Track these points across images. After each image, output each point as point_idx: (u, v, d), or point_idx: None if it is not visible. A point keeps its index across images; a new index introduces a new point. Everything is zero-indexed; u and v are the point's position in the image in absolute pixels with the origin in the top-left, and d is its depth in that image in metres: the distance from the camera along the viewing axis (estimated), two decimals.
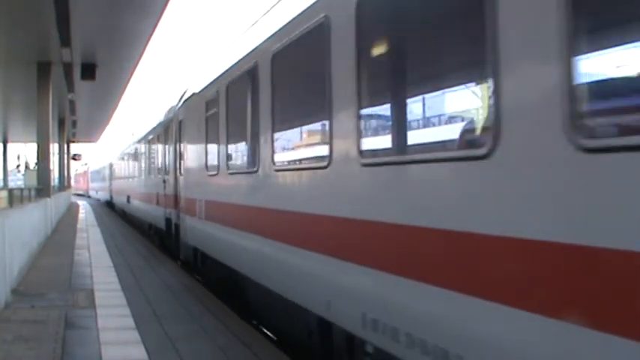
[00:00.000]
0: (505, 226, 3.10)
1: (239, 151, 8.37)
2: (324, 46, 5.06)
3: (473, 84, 3.90)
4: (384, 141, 4.63)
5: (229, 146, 8.48)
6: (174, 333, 6.86)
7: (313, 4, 5.43)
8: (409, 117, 4.47)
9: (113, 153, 36.23)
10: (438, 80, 4.33)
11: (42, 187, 18.72)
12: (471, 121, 3.99)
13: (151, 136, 18.13)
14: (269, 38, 6.67)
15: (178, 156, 13.11)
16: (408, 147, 4.38)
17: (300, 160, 6.30)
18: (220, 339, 6.65)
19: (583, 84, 2.74)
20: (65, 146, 37.89)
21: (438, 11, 4.02)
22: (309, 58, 5.87)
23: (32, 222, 13.50)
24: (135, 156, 22.54)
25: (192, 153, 11.05)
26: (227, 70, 8.47)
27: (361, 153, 4.48)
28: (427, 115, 4.46)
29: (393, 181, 4.20)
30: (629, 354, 2.43)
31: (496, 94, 3.17)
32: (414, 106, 4.50)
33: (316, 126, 5.82)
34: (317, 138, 5.71)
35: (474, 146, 3.58)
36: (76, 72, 18.41)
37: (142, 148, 19.96)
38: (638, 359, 2.40)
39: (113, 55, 17.57)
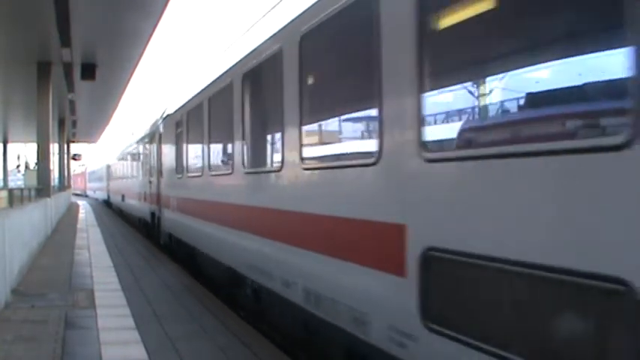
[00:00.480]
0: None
1: (194, 161, 11.11)
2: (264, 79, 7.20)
3: (365, 111, 5.08)
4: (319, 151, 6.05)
5: (189, 157, 11.64)
6: (174, 333, 6.86)
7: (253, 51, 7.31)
8: (323, 134, 6.00)
9: (110, 156, 39.72)
10: (346, 105, 5.66)
11: (42, 187, 18.72)
12: (365, 139, 5.08)
13: (140, 144, 20.44)
14: (208, 86, 9.83)
15: (159, 162, 15.58)
16: (326, 157, 5.90)
17: (227, 166, 8.78)
18: (220, 339, 6.65)
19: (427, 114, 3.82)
20: (65, 146, 37.90)
21: (349, 54, 5.27)
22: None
23: (32, 222, 13.50)
24: (128, 160, 25.30)
25: (168, 160, 14.24)
26: (187, 102, 11.78)
27: (302, 160, 5.68)
28: (339, 133, 5.79)
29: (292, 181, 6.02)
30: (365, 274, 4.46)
31: (379, 120, 4.29)
32: (331, 125, 5.96)
33: (262, 140, 7.74)
34: (259, 149, 7.78)
35: (369, 158, 4.47)
36: (76, 72, 18.41)
37: (134, 153, 22.51)
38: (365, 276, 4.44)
39: (113, 55, 17.57)
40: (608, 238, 2.59)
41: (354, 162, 4.98)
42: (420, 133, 3.79)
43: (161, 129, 15.21)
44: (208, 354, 6.11)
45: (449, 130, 4.00)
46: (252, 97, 7.68)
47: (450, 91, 4.23)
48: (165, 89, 20.34)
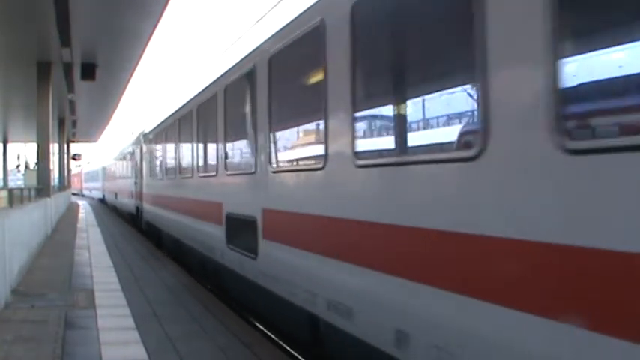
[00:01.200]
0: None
1: (159, 168, 16.44)
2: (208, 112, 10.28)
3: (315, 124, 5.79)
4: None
5: (156, 165, 17.15)
6: (174, 333, 6.86)
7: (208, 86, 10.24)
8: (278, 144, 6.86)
9: (105, 161, 46.08)
10: (302, 117, 6.24)
11: (42, 187, 18.73)
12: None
13: (129, 152, 25.33)
14: (163, 122, 14.91)
15: (141, 169, 20.63)
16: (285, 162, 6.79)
17: (182, 172, 12.71)
18: (220, 339, 6.65)
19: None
20: (65, 146, 37.90)
21: (304, 74, 5.98)
22: (171, 134, 13.32)
23: (32, 222, 13.50)
24: (120, 164, 30.41)
25: (146, 166, 19.45)
26: (154, 128, 17.09)
27: (272, 164, 6.81)
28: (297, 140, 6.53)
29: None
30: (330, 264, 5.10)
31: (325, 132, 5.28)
32: (292, 133, 6.60)
33: (200, 154, 11.14)
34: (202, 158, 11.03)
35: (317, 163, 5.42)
36: (76, 72, 18.42)
37: (125, 159, 27.55)
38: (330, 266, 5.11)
39: (113, 55, 17.57)
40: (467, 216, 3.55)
41: (306, 166, 5.87)
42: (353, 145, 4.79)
43: (142, 143, 20.50)
44: (208, 354, 6.11)
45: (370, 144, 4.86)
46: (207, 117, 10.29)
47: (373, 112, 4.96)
48: (147, 108, 24.94)
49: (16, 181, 47.26)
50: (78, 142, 46.60)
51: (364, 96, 4.86)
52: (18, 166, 61.14)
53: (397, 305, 4.19)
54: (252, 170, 7.33)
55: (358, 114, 4.77)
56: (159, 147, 16.34)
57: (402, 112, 4.42)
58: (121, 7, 13.37)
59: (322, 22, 5.30)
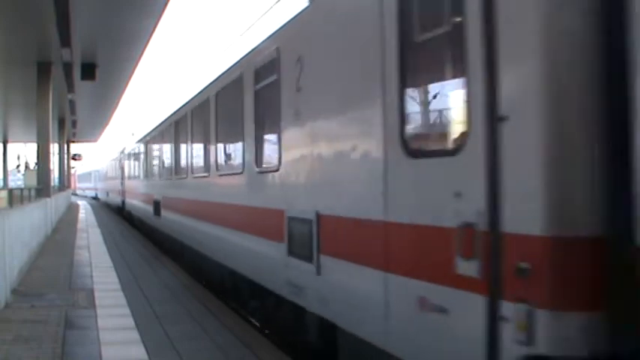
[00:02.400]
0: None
1: (134, 171, 22.69)
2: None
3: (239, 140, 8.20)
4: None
5: (130, 170, 24.38)
6: (174, 333, 6.86)
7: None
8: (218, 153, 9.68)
9: (98, 164, 53.13)
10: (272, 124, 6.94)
11: (42, 187, 18.72)
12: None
13: (117, 159, 31.95)
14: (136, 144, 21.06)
15: (124, 172, 27.13)
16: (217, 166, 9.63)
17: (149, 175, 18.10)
18: (220, 339, 6.64)
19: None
20: (65, 146, 37.91)
21: (271, 87, 6.77)
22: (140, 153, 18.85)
23: (32, 222, 13.50)
24: (111, 168, 36.85)
25: (127, 170, 25.88)
26: (137, 141, 22.15)
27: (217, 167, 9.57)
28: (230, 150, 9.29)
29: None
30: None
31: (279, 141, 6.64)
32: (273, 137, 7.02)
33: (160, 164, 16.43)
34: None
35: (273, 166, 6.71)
36: (76, 72, 18.41)
37: (113, 164, 34.26)
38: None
39: (113, 55, 17.58)
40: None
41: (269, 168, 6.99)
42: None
43: (126, 151, 26.33)
44: (208, 354, 6.11)
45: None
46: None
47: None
48: (131, 124, 28.94)
49: (16, 181, 47.25)
50: (78, 142, 46.61)
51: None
52: (18, 166, 61.12)
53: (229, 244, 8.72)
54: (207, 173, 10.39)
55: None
56: (137, 158, 22.35)
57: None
58: (121, 7, 13.37)
59: (278, 51, 6.50)
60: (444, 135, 4.08)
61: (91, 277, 10.89)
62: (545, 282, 2.90)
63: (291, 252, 6.07)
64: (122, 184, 27.37)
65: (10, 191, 17.25)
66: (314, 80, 5.58)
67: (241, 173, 8.02)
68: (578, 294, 2.90)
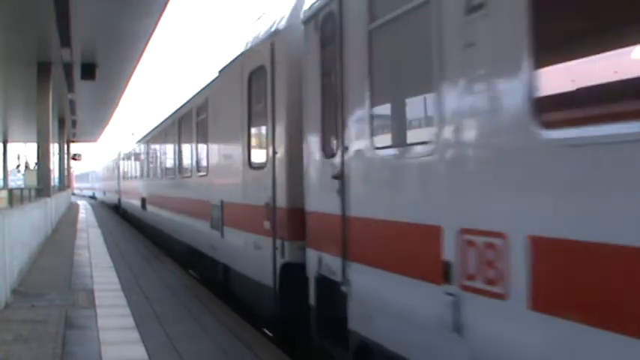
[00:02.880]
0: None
1: (128, 174, 26.37)
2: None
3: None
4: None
5: (125, 172, 27.91)
6: (174, 333, 6.86)
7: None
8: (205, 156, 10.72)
9: (95, 166, 57.64)
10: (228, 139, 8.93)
11: (42, 187, 18.72)
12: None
13: (113, 162, 35.57)
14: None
15: (119, 174, 30.58)
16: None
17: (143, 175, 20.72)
18: (220, 339, 6.65)
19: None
20: (65, 146, 37.91)
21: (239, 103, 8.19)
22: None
23: (32, 222, 13.50)
24: (106, 170, 41.60)
25: (122, 172, 28.88)
26: (129, 148, 26.27)
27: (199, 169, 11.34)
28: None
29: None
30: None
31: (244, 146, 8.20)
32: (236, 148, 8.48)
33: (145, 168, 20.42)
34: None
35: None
36: (76, 72, 18.42)
37: (109, 166, 38.22)
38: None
39: (113, 55, 17.57)
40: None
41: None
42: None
43: (121, 157, 30.09)
44: (208, 354, 6.11)
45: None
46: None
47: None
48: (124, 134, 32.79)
49: (16, 181, 47.25)
50: (78, 142, 46.61)
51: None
52: (18, 166, 61.12)
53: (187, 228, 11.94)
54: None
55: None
56: (131, 160, 25.17)
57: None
58: (121, 7, 13.37)
59: (207, 99, 10.23)
60: (261, 159, 7.40)
61: (91, 277, 10.89)
62: (287, 228, 6.44)
63: (211, 226, 9.76)
64: (118, 184, 31.83)
65: (10, 191, 17.26)
66: (221, 118, 9.40)
67: (190, 177, 12.25)
68: (298, 233, 6.17)
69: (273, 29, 6.92)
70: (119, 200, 30.92)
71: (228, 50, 9.08)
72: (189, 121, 12.07)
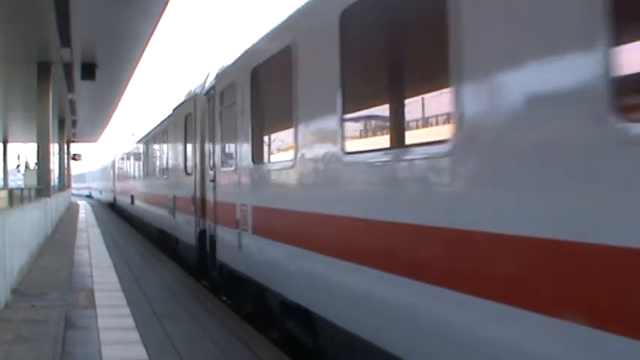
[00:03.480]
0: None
1: (122, 175, 30.42)
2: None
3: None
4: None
5: (119, 174, 31.99)
6: (174, 333, 6.86)
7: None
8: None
9: (91, 167, 63.28)
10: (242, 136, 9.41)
11: (42, 187, 18.73)
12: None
13: (107, 164, 40.74)
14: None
15: (115, 175, 34.26)
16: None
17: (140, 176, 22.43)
18: (220, 339, 6.65)
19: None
20: (65, 146, 37.92)
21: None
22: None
23: (32, 222, 13.50)
24: (101, 172, 47.79)
25: (118, 175, 32.23)
26: (121, 154, 30.60)
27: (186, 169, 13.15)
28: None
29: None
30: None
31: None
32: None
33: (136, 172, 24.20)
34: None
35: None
36: (76, 72, 18.44)
37: (106, 169, 42.09)
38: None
39: (113, 55, 17.58)
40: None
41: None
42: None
43: (116, 160, 33.79)
44: (208, 354, 6.11)
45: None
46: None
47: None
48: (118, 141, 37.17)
49: (16, 181, 47.27)
50: (78, 142, 46.62)
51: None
52: (18, 166, 61.14)
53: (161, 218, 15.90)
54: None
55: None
56: (126, 164, 28.39)
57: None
58: (121, 7, 13.38)
59: (166, 127, 14.95)
60: (190, 169, 11.90)
61: (91, 276, 10.90)
62: (200, 210, 10.92)
63: (169, 212, 14.29)
64: (114, 184, 36.33)
65: (10, 191, 17.25)
66: (173, 140, 14.33)
67: (159, 179, 16.76)
68: (204, 212, 10.56)
69: (194, 93, 11.91)
70: (114, 199, 36.08)
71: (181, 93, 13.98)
72: (158, 141, 17.25)
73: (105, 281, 10.40)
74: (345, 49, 4.79)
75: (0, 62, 18.27)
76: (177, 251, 13.51)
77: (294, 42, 5.77)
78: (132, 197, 24.51)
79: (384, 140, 4.90)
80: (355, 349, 4.68)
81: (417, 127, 4.50)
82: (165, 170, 15.75)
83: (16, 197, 16.33)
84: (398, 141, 4.52)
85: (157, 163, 17.77)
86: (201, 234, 10.78)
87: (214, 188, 9.46)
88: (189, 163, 12.16)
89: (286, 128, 6.22)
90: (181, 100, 13.26)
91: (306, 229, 5.64)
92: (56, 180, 33.54)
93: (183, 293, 9.47)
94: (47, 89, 18.41)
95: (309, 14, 5.54)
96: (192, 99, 12.00)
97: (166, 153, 15.52)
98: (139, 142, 22.62)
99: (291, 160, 5.90)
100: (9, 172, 47.33)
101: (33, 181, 21.42)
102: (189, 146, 12.20)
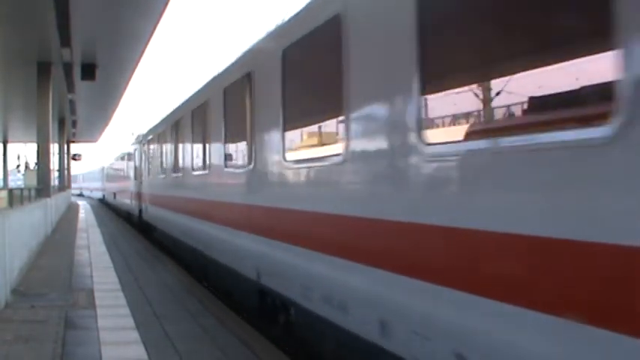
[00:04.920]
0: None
1: (114, 177, 36.05)
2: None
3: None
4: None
5: (111, 176, 38.80)
6: (174, 333, 6.86)
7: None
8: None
9: (83, 170, 74.30)
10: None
11: (42, 187, 18.72)
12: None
13: (101, 168, 49.43)
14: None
15: (105, 177, 44.45)
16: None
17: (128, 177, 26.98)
18: (220, 339, 6.65)
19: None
20: (65, 146, 37.91)
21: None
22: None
23: (32, 222, 13.50)
24: (98, 173, 54.78)
25: (109, 176, 40.86)
26: (114, 159, 36.84)
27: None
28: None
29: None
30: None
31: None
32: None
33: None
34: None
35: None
36: (76, 72, 18.43)
37: (98, 171, 52.27)
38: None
39: (113, 55, 17.58)
40: None
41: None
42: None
43: (108, 165, 40.61)
44: (208, 354, 6.11)
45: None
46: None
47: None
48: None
49: (16, 181, 47.28)
50: (78, 142, 46.62)
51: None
52: (18, 166, 61.13)
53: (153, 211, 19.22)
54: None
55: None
56: (118, 169, 33.44)
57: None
58: (121, 7, 13.37)
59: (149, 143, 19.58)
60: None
61: (91, 277, 10.89)
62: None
63: (137, 202, 20.98)
64: (105, 185, 45.39)
65: (10, 191, 17.24)
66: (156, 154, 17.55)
67: (140, 181, 21.63)
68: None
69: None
70: (103, 196, 47.02)
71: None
72: (142, 151, 21.18)
73: (105, 281, 10.40)
74: (284, 78, 6.23)
75: (0, 62, 18.27)
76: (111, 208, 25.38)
77: (252, 70, 7.30)
78: (114, 194, 34.88)
79: (308, 152, 6.15)
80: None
81: (322, 144, 5.89)
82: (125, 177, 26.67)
83: (16, 197, 16.32)
84: (313, 152, 5.92)
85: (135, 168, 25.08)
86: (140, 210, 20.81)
87: (140, 186, 17.36)
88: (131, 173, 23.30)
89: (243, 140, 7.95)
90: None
91: None
92: (56, 180, 33.54)
93: (183, 293, 9.47)
94: (47, 89, 18.41)
95: (263, 49, 7.02)
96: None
97: (125, 169, 27.15)
98: (119, 155, 32.33)
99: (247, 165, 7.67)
100: (9, 172, 47.33)
101: (33, 181, 21.41)
102: (131, 167, 23.25)
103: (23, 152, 59.95)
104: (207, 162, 10.13)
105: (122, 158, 29.61)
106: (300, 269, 5.80)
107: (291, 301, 6.13)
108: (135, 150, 22.71)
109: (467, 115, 3.95)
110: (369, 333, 4.38)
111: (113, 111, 31.58)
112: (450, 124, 4.04)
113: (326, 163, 5.33)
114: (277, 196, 6.53)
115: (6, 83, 21.84)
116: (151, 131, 18.19)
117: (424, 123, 3.87)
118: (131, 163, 23.79)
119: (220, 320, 7.58)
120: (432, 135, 3.83)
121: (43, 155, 18.97)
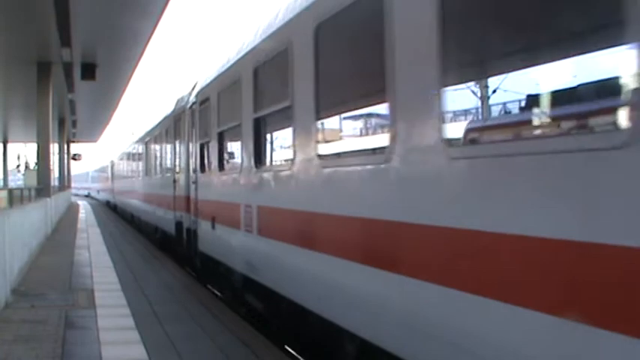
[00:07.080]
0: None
1: (110, 177, 39.61)
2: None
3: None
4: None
5: (108, 177, 41.88)
6: (174, 333, 6.86)
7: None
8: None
9: (79, 170, 73.02)
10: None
11: (42, 187, 18.72)
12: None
13: (104, 169, 46.79)
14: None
15: (113, 176, 36.36)
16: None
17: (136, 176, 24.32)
18: (220, 339, 6.65)
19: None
20: (65, 146, 37.91)
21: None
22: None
23: (32, 222, 13.50)
24: (84, 177, 67.97)
25: (115, 175, 35.42)
26: (118, 156, 33.86)
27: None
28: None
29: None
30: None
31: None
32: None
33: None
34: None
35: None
36: (76, 72, 18.41)
37: (104, 171, 47.85)
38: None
39: (113, 55, 17.57)
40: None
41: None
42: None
43: (113, 164, 36.94)
44: (208, 354, 6.11)
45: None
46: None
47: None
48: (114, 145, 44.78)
49: (16, 181, 47.28)
50: (78, 142, 46.60)
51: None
52: (18, 166, 61.15)
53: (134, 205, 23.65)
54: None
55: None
56: (123, 169, 31.63)
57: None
58: (121, 7, 13.37)
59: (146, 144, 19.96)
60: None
61: (91, 276, 10.90)
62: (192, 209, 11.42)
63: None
64: (110, 185, 42.93)
65: (10, 191, 17.24)
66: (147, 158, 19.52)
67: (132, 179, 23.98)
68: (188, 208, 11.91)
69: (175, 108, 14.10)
70: (89, 193, 57.67)
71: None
72: (135, 156, 23.08)
73: (105, 281, 10.40)
74: (255, 88, 7.11)
75: (0, 62, 18.26)
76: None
77: (240, 77, 7.73)
78: (98, 191, 38.90)
79: (286, 154, 6.54)
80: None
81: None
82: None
83: (16, 197, 16.32)
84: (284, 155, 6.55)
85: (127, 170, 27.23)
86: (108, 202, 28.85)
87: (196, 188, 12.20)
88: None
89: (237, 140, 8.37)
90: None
91: None
92: (56, 180, 33.54)
93: (183, 293, 9.47)
94: (47, 89, 18.40)
95: (249, 61, 7.44)
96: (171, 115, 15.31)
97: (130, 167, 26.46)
98: (107, 165, 36.81)
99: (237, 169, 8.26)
100: (9, 172, 47.33)
101: (33, 181, 21.39)
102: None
103: (23, 152, 59.95)
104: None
105: (145, 142, 19.94)
106: None
107: None
108: (178, 120, 13.12)
109: (277, 148, 7.39)
110: None
111: (113, 111, 31.58)
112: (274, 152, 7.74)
113: None
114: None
115: (6, 83, 21.84)
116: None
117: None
118: (167, 148, 14.65)
119: (220, 320, 7.59)
120: (267, 160, 7.49)
121: (43, 155, 18.96)
